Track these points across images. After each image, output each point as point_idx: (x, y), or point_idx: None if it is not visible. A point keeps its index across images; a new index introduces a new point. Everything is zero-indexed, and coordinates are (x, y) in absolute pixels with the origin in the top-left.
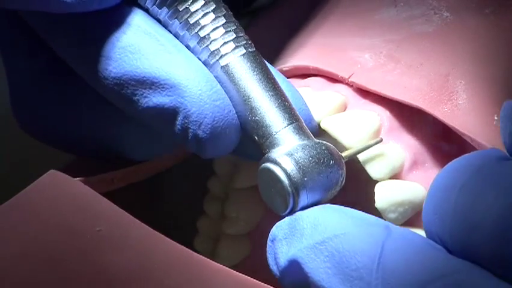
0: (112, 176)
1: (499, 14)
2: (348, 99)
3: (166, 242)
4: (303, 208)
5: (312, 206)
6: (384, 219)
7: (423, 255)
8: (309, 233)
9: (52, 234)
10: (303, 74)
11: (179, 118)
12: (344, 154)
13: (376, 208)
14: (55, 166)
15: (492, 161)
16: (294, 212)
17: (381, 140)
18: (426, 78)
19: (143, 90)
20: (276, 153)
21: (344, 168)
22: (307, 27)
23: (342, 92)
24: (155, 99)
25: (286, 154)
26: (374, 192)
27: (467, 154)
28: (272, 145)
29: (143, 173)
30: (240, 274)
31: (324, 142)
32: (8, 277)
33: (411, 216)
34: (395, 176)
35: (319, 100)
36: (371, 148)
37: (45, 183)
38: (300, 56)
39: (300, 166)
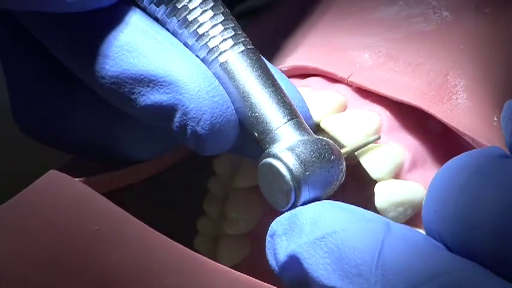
0: (111, 176)
1: (498, 13)
2: (347, 99)
3: (164, 241)
4: (305, 203)
5: (312, 201)
6: None
7: (423, 252)
8: (308, 228)
9: (51, 234)
10: (303, 73)
11: (177, 115)
12: (343, 150)
13: (376, 208)
14: (55, 166)
15: (492, 159)
16: (296, 207)
17: (379, 137)
18: (426, 77)
19: (141, 89)
20: (277, 149)
21: (344, 164)
22: (306, 27)
23: (341, 92)
24: (153, 97)
25: (288, 149)
26: (374, 192)
27: (467, 152)
28: (273, 141)
29: (142, 173)
30: (240, 273)
31: (324, 138)
32: (7, 277)
33: (411, 216)
34: (395, 175)
35: (319, 100)
36: (368, 144)
37: (45, 183)
38: (299, 56)
39: (301, 161)
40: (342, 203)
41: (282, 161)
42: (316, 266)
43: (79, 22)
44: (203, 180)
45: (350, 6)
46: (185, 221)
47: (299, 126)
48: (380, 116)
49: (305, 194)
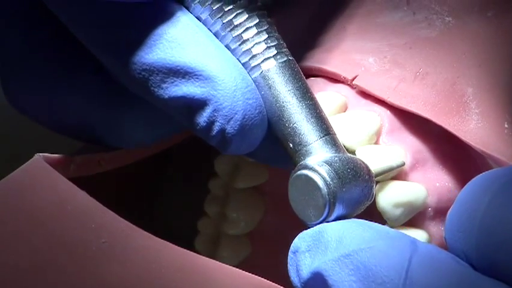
0: (99, 157)
1: (502, 17)
2: (348, 100)
3: (170, 248)
4: (336, 219)
5: (342, 218)
6: (385, 219)
7: (450, 271)
8: (334, 245)
9: (51, 243)
10: (304, 74)
11: (207, 110)
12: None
13: (377, 208)
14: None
15: None
16: (326, 222)
17: (403, 164)
18: (433, 87)
19: (175, 79)
20: (313, 161)
21: (375, 185)
22: (309, 29)
23: (342, 93)
24: (186, 88)
25: (326, 163)
26: (376, 193)
27: (490, 170)
28: (308, 154)
29: (131, 156)
30: (249, 274)
31: (358, 157)
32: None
33: (412, 217)
34: (396, 176)
35: (320, 101)
36: (392, 170)
37: (28, 172)
38: (302, 56)
39: (339, 176)
40: (366, 221)
41: (320, 174)
42: (342, 283)
43: (120, 10)
44: (203, 180)
45: (353, 9)
46: (185, 221)
47: (335, 142)
48: (380, 116)
49: (338, 210)
